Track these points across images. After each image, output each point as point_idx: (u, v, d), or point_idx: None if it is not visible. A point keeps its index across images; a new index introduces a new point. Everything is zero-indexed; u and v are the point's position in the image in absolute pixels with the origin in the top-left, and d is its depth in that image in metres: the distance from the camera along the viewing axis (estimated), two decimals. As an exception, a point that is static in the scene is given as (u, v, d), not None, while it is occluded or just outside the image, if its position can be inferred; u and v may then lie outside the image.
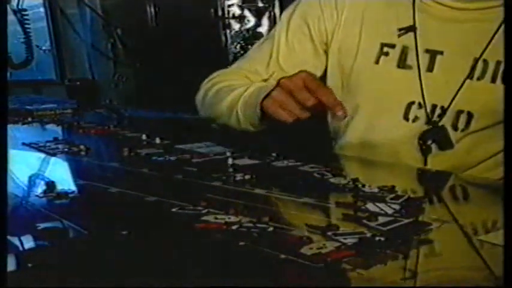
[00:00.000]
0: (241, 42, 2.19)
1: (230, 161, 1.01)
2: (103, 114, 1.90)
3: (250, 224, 0.65)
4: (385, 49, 1.03)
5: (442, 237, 0.63)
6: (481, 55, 0.97)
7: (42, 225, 0.67)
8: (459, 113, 0.99)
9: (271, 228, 0.64)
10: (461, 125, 0.99)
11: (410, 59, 1.01)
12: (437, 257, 0.60)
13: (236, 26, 2.19)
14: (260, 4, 2.15)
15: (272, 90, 0.94)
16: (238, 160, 1.01)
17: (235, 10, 2.18)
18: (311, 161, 0.95)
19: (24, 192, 0.87)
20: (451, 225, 0.67)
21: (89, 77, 2.63)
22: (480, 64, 0.97)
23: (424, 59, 1.00)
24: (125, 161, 1.08)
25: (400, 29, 1.03)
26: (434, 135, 1.00)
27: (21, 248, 0.60)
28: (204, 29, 2.22)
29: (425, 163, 1.02)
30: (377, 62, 1.04)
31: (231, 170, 0.96)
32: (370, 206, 0.71)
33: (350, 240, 0.59)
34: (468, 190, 0.91)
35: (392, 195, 0.76)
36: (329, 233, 0.61)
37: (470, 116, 0.99)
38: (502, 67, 0.96)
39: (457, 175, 0.98)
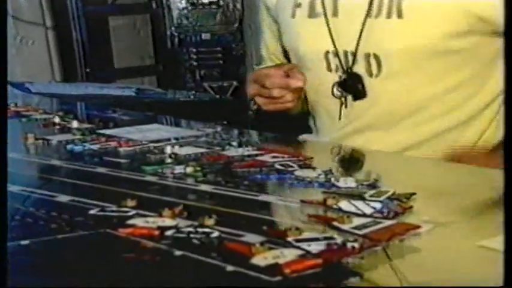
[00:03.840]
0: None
1: (169, 149, 1.02)
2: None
3: (190, 229, 0.66)
4: (298, 1, 1.22)
5: (433, 243, 0.66)
6: None
7: None
8: (367, 56, 1.13)
9: (216, 234, 0.65)
10: (374, 69, 1.13)
11: (319, 7, 1.19)
12: (426, 267, 0.62)
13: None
14: None
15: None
16: (180, 149, 1.03)
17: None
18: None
19: None
20: (444, 229, 0.70)
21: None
22: (376, 0, 1.12)
23: (329, 4, 1.17)
24: (29, 150, 1.09)
25: None
26: (347, 84, 1.16)
27: None
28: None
29: (339, 117, 1.19)
30: (293, 15, 1.23)
31: (169, 160, 0.97)
32: (344, 205, 0.74)
33: (315, 248, 0.61)
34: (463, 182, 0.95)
35: (373, 191, 0.79)
36: (289, 239, 0.63)
37: (378, 58, 1.12)
38: (396, 1, 1.10)
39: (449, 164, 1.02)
